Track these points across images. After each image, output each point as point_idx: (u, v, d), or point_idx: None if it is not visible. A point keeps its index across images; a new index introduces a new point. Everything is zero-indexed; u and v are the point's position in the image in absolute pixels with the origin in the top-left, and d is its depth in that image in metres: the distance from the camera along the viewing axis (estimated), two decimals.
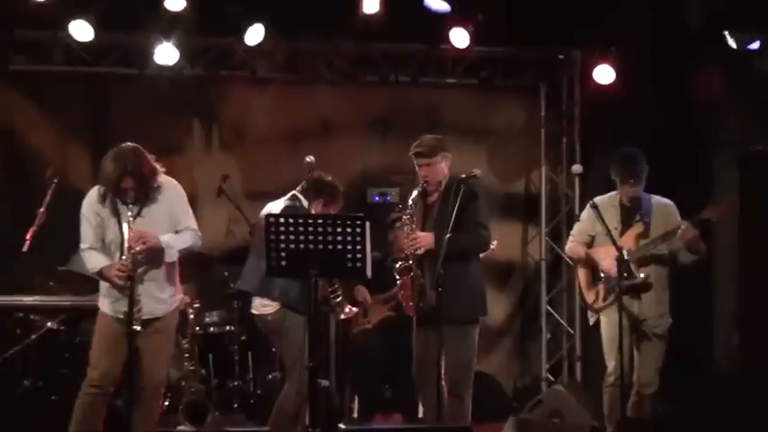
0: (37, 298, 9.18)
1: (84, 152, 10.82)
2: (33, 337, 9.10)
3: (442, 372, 7.90)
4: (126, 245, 7.41)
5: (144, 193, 7.53)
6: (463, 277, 8.04)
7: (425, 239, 7.99)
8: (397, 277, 8.16)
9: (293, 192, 8.39)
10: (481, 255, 8.29)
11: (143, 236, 7.38)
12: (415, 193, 8.16)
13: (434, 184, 8.15)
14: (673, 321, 8.48)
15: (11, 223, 10.26)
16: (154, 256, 7.52)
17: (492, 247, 8.41)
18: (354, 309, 8.84)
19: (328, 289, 8.47)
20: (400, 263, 8.10)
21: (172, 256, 7.63)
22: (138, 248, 7.36)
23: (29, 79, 10.91)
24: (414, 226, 8.10)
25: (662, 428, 7.89)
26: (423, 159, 8.12)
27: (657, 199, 8.52)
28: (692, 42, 9.53)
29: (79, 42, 10.28)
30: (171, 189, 7.74)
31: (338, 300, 8.61)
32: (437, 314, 7.87)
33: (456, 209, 7.84)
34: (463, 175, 8.06)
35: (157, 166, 7.66)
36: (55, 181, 9.13)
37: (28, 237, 8.93)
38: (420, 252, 8.00)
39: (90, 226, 7.61)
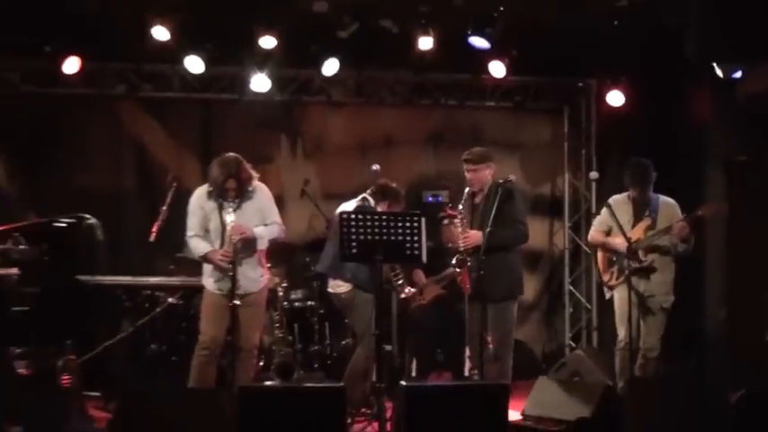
0: (160, 278, 9.38)
1: (195, 161, 10.87)
2: (158, 310, 9.25)
3: (488, 339, 7.99)
4: (227, 234, 7.68)
5: (242, 193, 7.79)
6: (503, 263, 8.11)
7: (474, 237, 8.10)
8: (456, 269, 8.27)
9: (363, 194, 8.57)
10: None
11: (241, 228, 7.63)
12: (465, 196, 8.31)
13: (479, 187, 8.27)
14: (674, 299, 8.54)
15: (141, 218, 10.39)
16: (249, 243, 7.77)
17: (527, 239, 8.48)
18: (412, 289, 8.95)
19: (391, 273, 8.66)
20: (457, 256, 8.19)
21: (262, 244, 7.90)
22: (237, 237, 7.63)
23: (153, 103, 11.07)
24: (465, 226, 8.20)
25: (663, 385, 7.92)
26: (470, 165, 8.25)
27: (664, 198, 8.64)
28: (687, 72, 9.56)
29: (192, 74, 10.44)
30: (262, 191, 8.02)
31: (400, 282, 8.78)
32: (483, 294, 8.00)
33: (495, 207, 7.96)
34: (501, 180, 8.21)
35: (252, 172, 7.93)
36: (174, 185, 9.21)
37: (153, 229, 8.99)
38: (470, 248, 8.14)
39: (196, 218, 7.91)
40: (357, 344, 8.57)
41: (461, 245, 8.13)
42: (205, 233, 7.91)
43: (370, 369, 8.26)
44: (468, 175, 8.29)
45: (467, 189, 8.30)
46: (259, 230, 7.88)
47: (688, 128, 10.38)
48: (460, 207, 8.26)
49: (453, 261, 8.23)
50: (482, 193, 8.28)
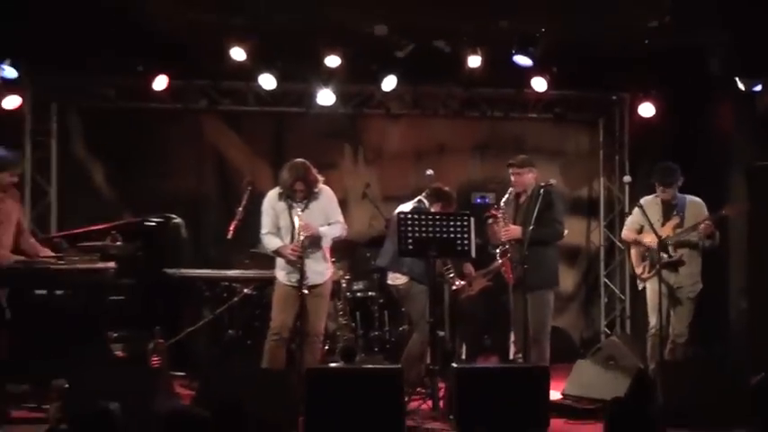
0: (237, 271, 9.39)
1: (268, 167, 10.84)
2: (235, 299, 9.23)
3: (530, 325, 8.03)
4: (296, 231, 7.73)
5: (309, 194, 7.83)
6: (541, 257, 8.15)
7: (515, 231, 8.17)
8: (499, 259, 8.30)
9: (419, 197, 8.59)
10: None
11: (308, 226, 7.66)
12: (506, 196, 8.35)
13: (522, 189, 8.31)
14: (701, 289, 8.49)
15: (219, 218, 10.39)
16: (315, 240, 7.80)
17: (564, 235, 8.52)
18: (462, 282, 8.94)
19: (443, 267, 8.67)
20: (500, 248, 8.23)
21: (327, 241, 7.95)
22: (304, 234, 7.65)
23: (231, 116, 11.11)
24: (506, 221, 8.24)
25: (691, 368, 7.85)
26: (515, 169, 8.32)
27: (691, 198, 8.57)
28: (712, 86, 9.49)
29: (265, 90, 10.45)
30: (327, 192, 8.06)
31: (451, 275, 8.80)
32: (524, 284, 8.04)
33: (537, 208, 8.00)
34: (543, 183, 8.23)
35: (318, 176, 7.96)
36: (249, 188, 9.17)
37: (231, 228, 8.96)
38: (511, 239, 8.16)
39: (268, 217, 7.96)
40: (413, 330, 8.58)
41: (503, 237, 8.18)
42: (277, 230, 7.96)
43: (424, 353, 8.24)
44: (513, 179, 8.37)
45: (510, 189, 8.34)
46: (324, 229, 7.92)
47: (712, 136, 10.33)
48: (503, 204, 8.33)
49: (497, 252, 8.28)
50: (525, 195, 8.34)
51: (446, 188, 8.62)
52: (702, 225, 8.26)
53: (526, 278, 8.03)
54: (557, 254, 8.58)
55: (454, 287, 9.02)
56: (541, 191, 8.17)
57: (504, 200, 8.38)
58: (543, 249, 8.20)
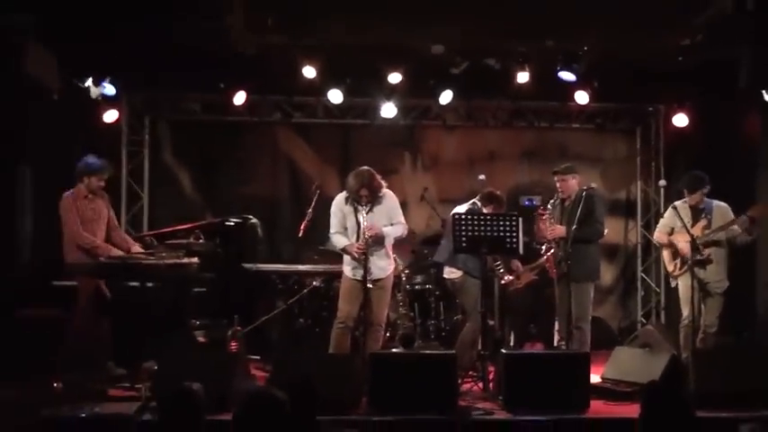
0: (306, 266, 9.43)
1: (335, 173, 10.89)
2: (305, 291, 9.31)
3: (573, 314, 8.05)
4: (362, 231, 7.74)
5: (373, 198, 7.83)
6: (584, 253, 8.17)
7: (559, 230, 8.21)
8: (544, 255, 8.33)
9: (473, 200, 8.57)
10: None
11: (373, 227, 7.67)
12: (553, 200, 8.42)
13: (567, 194, 8.32)
14: (729, 284, 8.38)
15: (291, 219, 10.55)
16: (378, 239, 7.80)
17: (604, 234, 8.53)
18: (511, 276, 8.96)
19: (494, 263, 8.68)
20: (546, 244, 8.29)
21: (390, 240, 7.94)
22: (369, 234, 7.66)
23: (302, 127, 11.16)
24: (552, 221, 8.29)
25: (720, 355, 7.75)
26: (559, 177, 8.38)
27: (717, 202, 8.48)
28: (740, 97, 9.35)
29: (334, 103, 10.53)
30: (390, 196, 8.05)
31: (500, 270, 8.82)
32: (567, 277, 8.07)
33: (580, 209, 8.06)
34: (585, 187, 8.21)
35: (383, 182, 7.97)
36: (318, 192, 9.22)
37: (301, 227, 9.05)
38: (557, 238, 8.20)
39: (336, 218, 7.98)
40: (466, 319, 8.54)
41: (549, 235, 8.24)
42: (344, 230, 7.97)
43: (476, 340, 8.25)
44: (558, 185, 8.40)
45: (556, 194, 8.39)
46: (387, 230, 7.92)
47: (741, 144, 10.13)
48: (549, 207, 8.38)
49: (543, 248, 8.37)
50: (570, 199, 8.34)
51: (497, 192, 8.60)
52: (741, 219, 8.21)
53: (570, 272, 8.07)
54: (598, 251, 8.55)
55: (503, 281, 9.05)
56: (584, 194, 8.19)
57: (550, 203, 8.44)
58: (586, 246, 8.20)
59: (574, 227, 8.01)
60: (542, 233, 9.22)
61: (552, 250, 8.23)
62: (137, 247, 8.10)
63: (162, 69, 9.48)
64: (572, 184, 8.36)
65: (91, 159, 7.99)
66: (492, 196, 8.49)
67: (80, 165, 7.94)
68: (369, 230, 7.71)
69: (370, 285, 7.74)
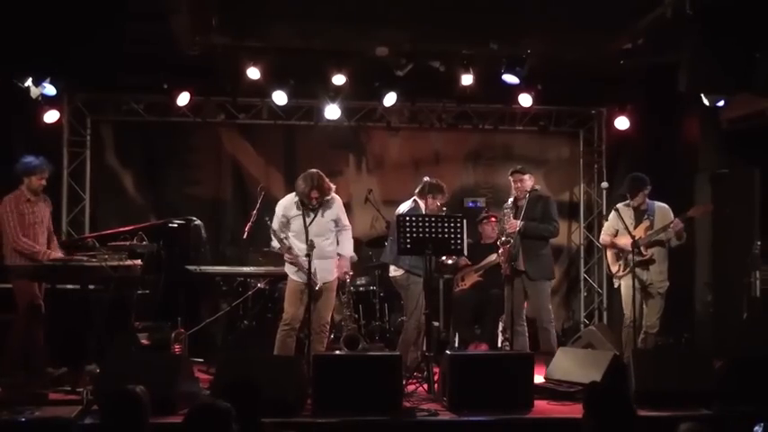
0: (251, 268, 9.37)
1: (280, 175, 10.92)
2: (249, 293, 9.28)
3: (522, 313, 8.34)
4: (308, 236, 7.70)
5: (322, 202, 7.82)
6: (540, 253, 8.41)
7: (515, 223, 8.29)
8: (501, 248, 8.40)
9: (413, 197, 8.55)
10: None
11: (341, 267, 8.10)
12: (509, 201, 8.54)
13: (523, 194, 8.42)
14: (669, 285, 8.49)
15: (235, 220, 10.54)
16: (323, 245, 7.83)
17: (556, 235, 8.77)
18: (467, 261, 9.39)
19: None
20: (503, 238, 8.36)
21: (354, 258, 8.34)
22: (345, 277, 8.16)
23: (249, 128, 11.11)
24: (510, 217, 8.39)
25: (661, 355, 7.85)
26: (517, 176, 8.53)
27: (659, 203, 8.59)
28: (680, 101, 9.49)
29: (278, 105, 10.47)
30: (337, 201, 8.04)
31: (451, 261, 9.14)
32: (523, 274, 8.32)
33: (537, 208, 8.37)
34: (538, 188, 8.61)
35: (331, 185, 7.95)
36: (262, 193, 9.23)
37: (246, 229, 9.03)
38: (513, 232, 8.28)
39: (278, 220, 7.93)
40: (407, 318, 8.53)
41: (508, 229, 8.33)
42: (281, 236, 7.90)
43: (418, 338, 8.25)
44: (516, 184, 8.51)
45: (513, 193, 8.52)
46: (348, 252, 8.10)
47: (680, 146, 10.37)
48: (509, 205, 8.52)
49: (499, 242, 8.45)
50: (524, 198, 8.43)
51: (433, 180, 8.50)
52: (673, 224, 8.29)
53: (527, 270, 8.31)
54: (550, 250, 8.73)
55: (450, 261, 9.36)
56: (538, 194, 8.47)
57: (509, 204, 8.53)
58: (541, 245, 8.41)
59: (525, 222, 8.24)
60: (487, 233, 9.39)
61: (509, 244, 8.29)
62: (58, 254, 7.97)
63: (105, 69, 9.39)
64: (528, 183, 8.50)
65: (28, 159, 7.84)
66: (429, 186, 8.39)
67: (18, 166, 7.80)
68: (344, 274, 8.16)
69: (317, 288, 7.73)
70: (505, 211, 8.47)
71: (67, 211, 10.54)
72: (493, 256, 9.57)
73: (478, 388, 6.86)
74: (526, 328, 8.48)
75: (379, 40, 9.36)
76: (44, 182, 7.89)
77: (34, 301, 7.60)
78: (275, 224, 7.94)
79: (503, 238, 8.38)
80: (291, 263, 7.81)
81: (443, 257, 9.00)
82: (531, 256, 8.28)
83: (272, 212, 8.11)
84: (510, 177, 8.57)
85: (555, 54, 9.67)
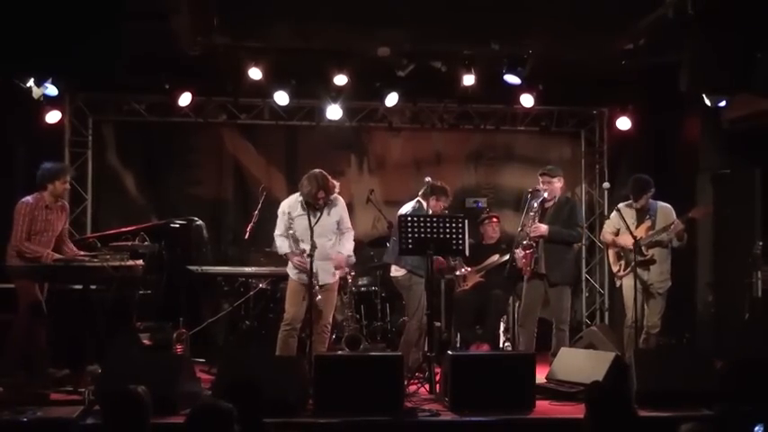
0: (253, 268, 9.37)
1: (281, 175, 10.93)
2: (251, 293, 9.28)
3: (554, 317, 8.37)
4: (313, 236, 7.67)
5: (327, 202, 7.81)
6: (564, 258, 8.42)
7: (541, 229, 8.28)
8: (523, 251, 8.35)
9: (417, 197, 8.55)
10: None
11: (339, 263, 7.98)
12: (539, 199, 8.45)
13: (551, 196, 8.44)
14: (671, 285, 8.50)
15: (237, 221, 10.53)
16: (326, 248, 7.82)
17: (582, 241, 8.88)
18: (469, 269, 9.32)
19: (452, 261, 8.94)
20: (526, 241, 8.31)
21: (353, 259, 8.21)
22: (341, 273, 8.01)
23: (248, 129, 11.10)
24: (536, 219, 8.35)
25: (662, 355, 7.85)
26: (546, 178, 8.48)
27: (661, 203, 8.59)
28: (681, 101, 9.49)
29: (279, 105, 10.49)
30: (341, 201, 8.03)
31: (455, 263, 9.13)
32: (538, 277, 8.32)
33: (563, 213, 8.39)
34: (569, 193, 8.78)
35: (335, 182, 7.94)
36: (264, 194, 9.24)
37: (248, 229, 9.05)
38: (538, 236, 8.28)
39: (282, 221, 7.90)
40: (409, 318, 8.54)
41: (531, 233, 8.28)
42: (288, 234, 7.88)
43: (420, 339, 8.24)
44: (543, 186, 8.46)
45: (544, 195, 8.44)
46: (346, 250, 8.01)
47: (682, 147, 10.37)
48: (535, 206, 8.41)
49: (524, 243, 8.34)
50: (552, 201, 8.45)
51: (438, 183, 8.50)
52: (673, 226, 8.30)
53: (549, 275, 8.26)
54: (575, 256, 8.82)
55: (458, 273, 9.35)
56: (567, 199, 8.49)
57: (535, 206, 8.43)
58: (565, 250, 8.41)
59: (553, 227, 8.24)
60: (489, 234, 9.38)
61: (531, 249, 8.26)
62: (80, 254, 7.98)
63: (106, 70, 9.37)
64: (557, 186, 8.47)
65: (49, 165, 7.85)
66: (433, 188, 8.39)
67: (41, 172, 7.74)
68: (342, 270, 8.00)
69: (316, 289, 7.69)
70: (531, 213, 8.37)
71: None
72: (495, 257, 9.57)
73: (480, 388, 6.86)
74: (567, 329, 8.51)
75: (381, 40, 9.36)
76: (68, 185, 7.93)
77: (36, 301, 7.60)
78: (281, 228, 7.92)
79: (525, 242, 8.31)
80: (299, 265, 7.77)
81: (460, 270, 9.09)
82: (554, 261, 8.26)
83: (274, 212, 8.10)
84: (539, 177, 8.52)
85: (556, 54, 9.66)
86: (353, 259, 8.17)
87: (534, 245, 8.25)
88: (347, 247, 8.05)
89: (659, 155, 10.21)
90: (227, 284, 9.56)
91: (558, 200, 8.42)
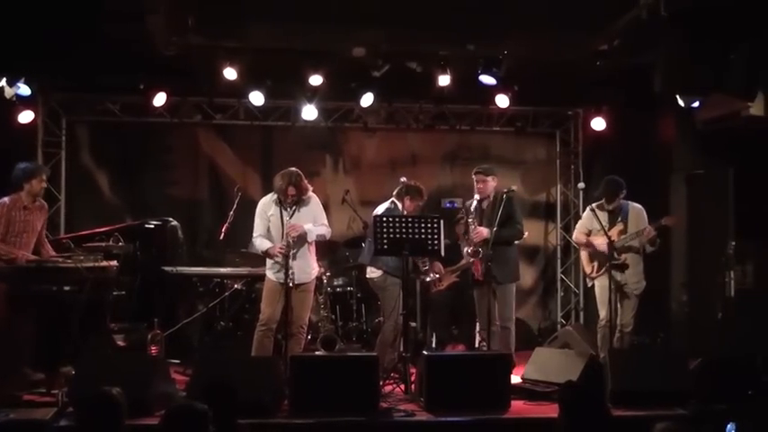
0: (228, 269, 9.36)
1: (257, 175, 10.92)
2: (226, 294, 9.27)
3: (495, 314, 8.18)
4: (285, 232, 7.71)
5: (299, 199, 7.82)
6: (506, 256, 8.33)
7: (482, 233, 8.22)
8: (471, 258, 8.35)
9: (391, 198, 8.57)
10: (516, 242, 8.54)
11: (295, 226, 7.66)
12: (474, 202, 8.42)
13: (485, 195, 8.37)
14: (646, 285, 8.53)
15: (212, 221, 10.49)
16: (302, 239, 7.78)
17: (524, 236, 8.62)
18: (436, 275, 9.11)
19: (421, 262, 8.81)
20: (472, 248, 8.28)
21: (312, 237, 7.90)
22: (292, 234, 7.64)
23: (226, 129, 11.09)
24: (476, 224, 8.31)
25: (636, 354, 7.91)
26: (480, 177, 8.42)
27: (633, 204, 8.61)
28: (655, 102, 9.55)
29: (255, 105, 10.47)
30: (314, 199, 8.06)
31: (426, 268, 8.98)
32: (489, 279, 8.15)
33: (501, 212, 8.14)
34: (505, 189, 8.30)
35: (309, 185, 7.96)
36: (239, 194, 9.22)
37: (223, 229, 9.02)
38: (479, 241, 8.22)
39: (261, 220, 7.95)
40: (384, 319, 8.53)
41: (474, 238, 8.23)
42: (267, 233, 7.92)
43: (396, 339, 8.26)
44: (478, 185, 8.42)
45: (475, 196, 8.40)
46: (309, 226, 7.89)
47: (656, 147, 10.40)
48: (472, 210, 8.39)
49: (470, 251, 8.33)
50: (488, 200, 8.39)
51: (412, 182, 8.56)
52: (645, 232, 8.34)
53: (494, 274, 8.16)
54: (517, 252, 8.69)
55: (428, 279, 9.14)
56: (504, 196, 8.27)
57: (472, 207, 8.44)
58: (507, 248, 8.34)
59: (494, 228, 8.11)
60: (462, 235, 9.36)
61: (481, 253, 8.24)
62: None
63: (80, 70, 9.34)
64: (491, 185, 8.44)
65: (24, 164, 7.83)
66: (408, 188, 8.45)
67: (17, 172, 7.71)
68: (292, 230, 7.70)
69: (291, 286, 7.69)
70: (470, 219, 8.37)
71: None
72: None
73: (455, 388, 6.89)
74: (513, 327, 8.43)
75: (356, 40, 9.35)
76: (44, 184, 7.88)
77: (10, 303, 7.53)
78: (259, 229, 7.94)
79: (470, 249, 8.31)
80: (282, 251, 7.72)
81: (428, 276, 9.04)
82: (498, 262, 8.21)
83: (249, 213, 8.13)
84: (473, 177, 8.50)
85: (531, 55, 9.67)
86: (312, 236, 7.93)
87: (480, 250, 8.24)
88: (314, 228, 7.96)
89: (633, 155, 10.24)
90: (203, 285, 9.54)
91: (493, 198, 8.39)
